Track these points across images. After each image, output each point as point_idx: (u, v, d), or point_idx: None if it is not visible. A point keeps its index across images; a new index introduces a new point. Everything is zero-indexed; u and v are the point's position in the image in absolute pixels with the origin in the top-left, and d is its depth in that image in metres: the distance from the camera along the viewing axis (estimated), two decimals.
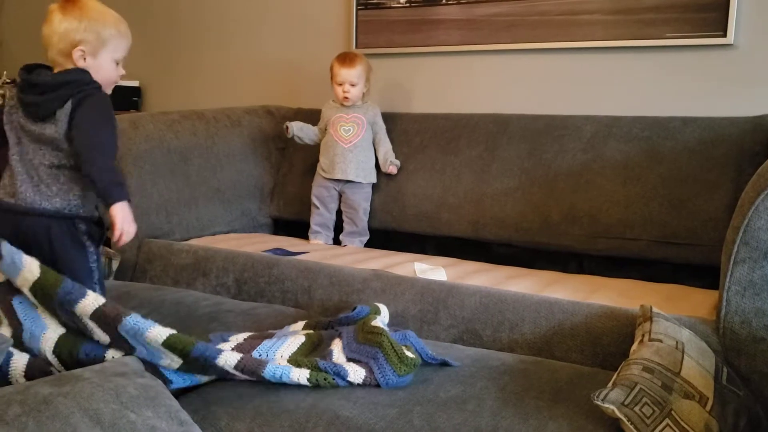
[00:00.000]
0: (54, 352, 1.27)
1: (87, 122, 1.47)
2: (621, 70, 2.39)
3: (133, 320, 1.20)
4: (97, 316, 1.22)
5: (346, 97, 2.46)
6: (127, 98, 3.43)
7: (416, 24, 2.73)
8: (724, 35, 2.18)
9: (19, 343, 1.29)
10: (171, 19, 3.41)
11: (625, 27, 2.35)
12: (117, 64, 1.60)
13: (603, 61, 2.42)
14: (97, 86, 1.53)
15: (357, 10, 2.84)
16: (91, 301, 1.23)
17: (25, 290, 1.29)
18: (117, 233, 1.47)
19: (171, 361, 1.22)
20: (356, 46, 2.84)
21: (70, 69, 1.53)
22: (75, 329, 1.29)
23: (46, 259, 1.34)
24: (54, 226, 1.51)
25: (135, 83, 3.47)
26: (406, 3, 2.74)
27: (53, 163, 1.52)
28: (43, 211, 1.51)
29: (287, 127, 2.54)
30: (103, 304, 1.23)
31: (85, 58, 1.53)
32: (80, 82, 1.51)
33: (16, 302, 1.31)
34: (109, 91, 1.61)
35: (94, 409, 0.95)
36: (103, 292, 1.59)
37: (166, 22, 3.42)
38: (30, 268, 1.27)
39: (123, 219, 1.47)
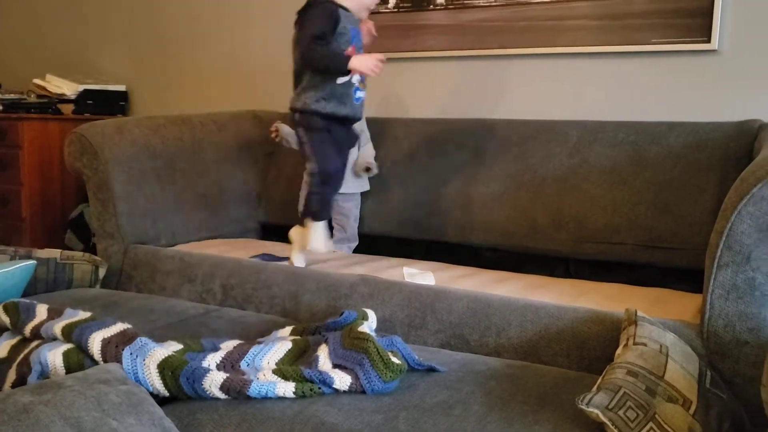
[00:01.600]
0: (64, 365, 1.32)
1: (301, 25, 1.94)
2: (607, 76, 2.41)
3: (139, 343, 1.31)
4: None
5: None
6: (114, 103, 3.42)
7: (404, 29, 2.74)
8: (708, 41, 2.20)
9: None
10: (159, 24, 3.40)
11: (612, 33, 2.36)
12: None
13: (589, 66, 2.44)
14: (323, 1, 1.95)
15: None
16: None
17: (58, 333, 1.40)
18: (370, 74, 1.93)
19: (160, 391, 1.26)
20: None
21: None
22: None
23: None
24: (299, 121, 2.01)
25: (122, 87, 3.47)
26: (394, 8, 2.74)
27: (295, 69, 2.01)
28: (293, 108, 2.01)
29: (277, 129, 2.48)
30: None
31: None
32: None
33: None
34: (363, 15, 2.06)
35: (75, 417, 0.94)
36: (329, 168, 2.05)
37: (155, 27, 3.42)
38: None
39: (362, 65, 1.89)
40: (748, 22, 2.20)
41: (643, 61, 2.34)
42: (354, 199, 2.48)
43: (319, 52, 1.92)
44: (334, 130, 2.06)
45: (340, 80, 1.98)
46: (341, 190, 2.44)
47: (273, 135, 2.51)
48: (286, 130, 2.50)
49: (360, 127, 2.49)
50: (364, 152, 2.47)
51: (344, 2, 1.96)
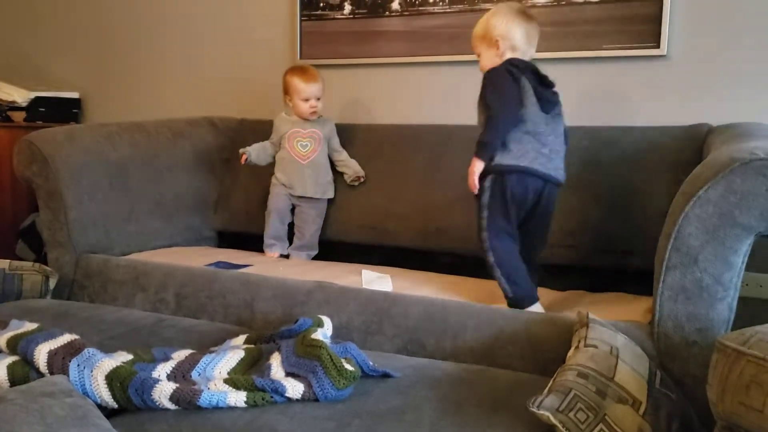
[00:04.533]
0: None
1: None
2: (560, 81, 2.42)
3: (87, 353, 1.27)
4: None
5: (314, 112, 2.44)
6: (67, 110, 3.35)
7: (360, 35, 2.74)
8: (658, 46, 2.25)
9: None
10: (114, 30, 3.35)
11: (564, 39, 2.40)
12: None
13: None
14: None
15: (301, 21, 2.83)
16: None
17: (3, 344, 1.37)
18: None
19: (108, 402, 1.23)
20: (301, 57, 2.83)
21: None
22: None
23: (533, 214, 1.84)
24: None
25: (75, 95, 3.40)
26: (349, 14, 2.74)
27: None
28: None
29: (243, 154, 2.43)
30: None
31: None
32: None
33: None
34: None
35: None
36: None
37: (109, 33, 3.36)
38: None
39: (470, 171, 1.87)
40: (696, 28, 2.25)
41: (596, 66, 2.38)
42: (318, 204, 2.47)
43: (487, 132, 1.98)
44: None
45: None
46: (308, 195, 2.43)
47: (243, 162, 2.45)
48: (254, 153, 2.45)
49: (329, 134, 2.49)
50: (344, 158, 2.51)
51: None
